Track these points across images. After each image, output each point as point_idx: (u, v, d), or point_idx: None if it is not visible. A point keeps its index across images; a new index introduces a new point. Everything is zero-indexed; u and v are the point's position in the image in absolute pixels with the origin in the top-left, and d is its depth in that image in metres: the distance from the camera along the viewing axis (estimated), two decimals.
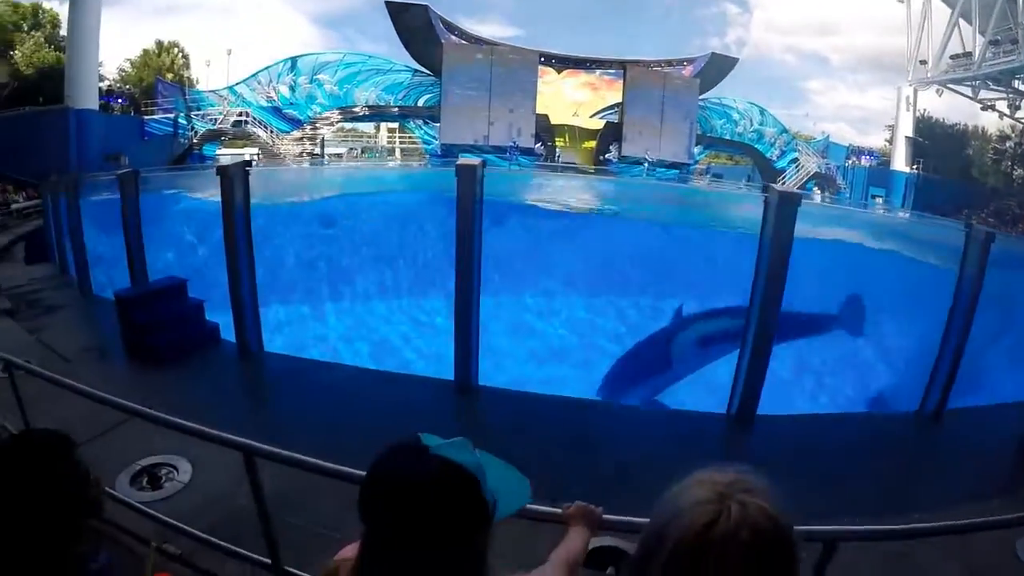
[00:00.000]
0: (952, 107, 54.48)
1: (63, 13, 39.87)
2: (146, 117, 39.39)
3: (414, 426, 4.53)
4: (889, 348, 9.55)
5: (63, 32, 40.33)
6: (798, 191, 5.55)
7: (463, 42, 44.33)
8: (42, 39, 42.73)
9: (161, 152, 37.39)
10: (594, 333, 11.07)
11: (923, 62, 49.44)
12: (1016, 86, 46.14)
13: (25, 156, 30.26)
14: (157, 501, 4.44)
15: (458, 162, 6.10)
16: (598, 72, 47.35)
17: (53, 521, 1.70)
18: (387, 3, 41.01)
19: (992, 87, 47.46)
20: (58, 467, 1.79)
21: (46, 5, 45.02)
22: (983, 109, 49.98)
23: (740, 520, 1.01)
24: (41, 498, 1.70)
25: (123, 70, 52.51)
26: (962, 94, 49.32)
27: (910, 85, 50.45)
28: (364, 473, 2.74)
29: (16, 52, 40.98)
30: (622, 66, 46.46)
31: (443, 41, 42.48)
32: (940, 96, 50.13)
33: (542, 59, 44.53)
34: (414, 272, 12.45)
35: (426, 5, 41.30)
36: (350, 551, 1.40)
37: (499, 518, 1.25)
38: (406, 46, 42.38)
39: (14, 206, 26.54)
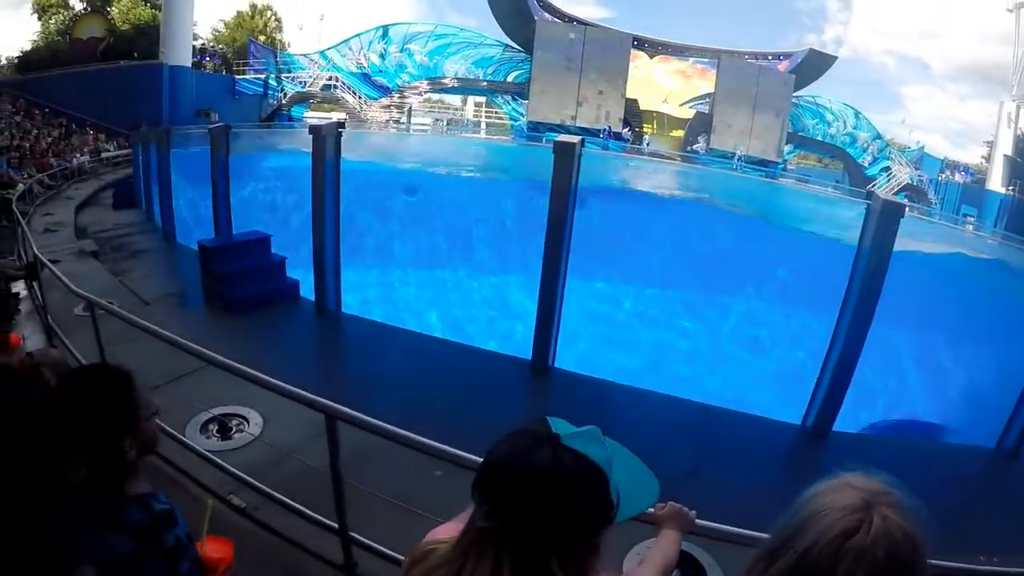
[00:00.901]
0: None
1: None
2: (237, 77, 40.46)
3: (490, 402, 4.41)
4: (974, 379, 9.11)
5: None
6: (902, 200, 5.25)
7: (556, 20, 43.83)
8: None
9: (251, 111, 38.42)
10: (667, 325, 10.80)
11: None
12: None
13: (118, 108, 31.51)
14: (226, 451, 4.39)
15: (557, 139, 5.88)
16: (691, 60, 46.42)
17: (100, 440, 1.73)
18: None
19: None
20: (113, 393, 1.80)
21: None
22: None
23: (879, 535, 1.00)
24: (91, 417, 1.73)
25: (216, 30, 53.73)
26: None
27: (1013, 101, 48.00)
28: (442, 446, 2.62)
29: (113, 8, 42.13)
30: (716, 55, 45.25)
31: (536, 18, 42.12)
32: None
33: (635, 43, 43.67)
34: (493, 249, 12.31)
35: None
36: (444, 532, 1.30)
37: (622, 519, 1.16)
38: (498, 21, 42.07)
39: (104, 154, 27.31)
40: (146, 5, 43.28)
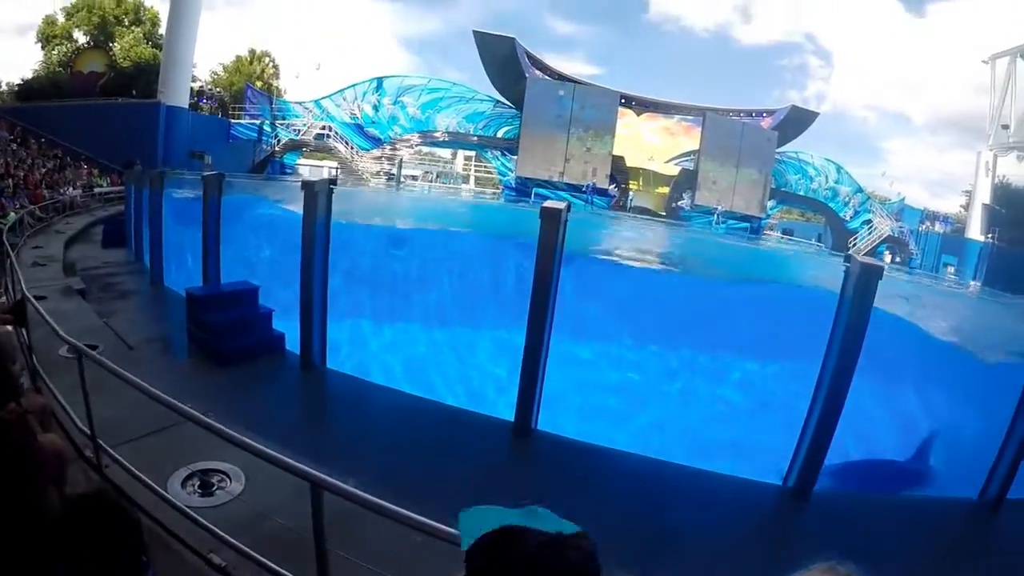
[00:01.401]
0: None
1: (163, 12, 42.12)
2: (232, 120, 41.05)
3: (473, 466, 4.49)
4: (954, 431, 9.17)
5: (162, 30, 42.28)
6: (880, 263, 5.38)
7: (546, 77, 44.74)
8: (141, 35, 44.87)
9: (244, 156, 39.01)
10: (649, 386, 10.84)
11: (1005, 126, 48.35)
12: None
13: (113, 144, 31.82)
14: (207, 508, 4.38)
15: (544, 204, 6.04)
16: (676, 117, 47.43)
17: None
18: (475, 32, 41.88)
19: None
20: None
21: (148, 3, 47.28)
22: None
23: None
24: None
25: (215, 73, 54.87)
26: None
27: (990, 150, 49.34)
28: (421, 518, 2.69)
29: (116, 44, 42.81)
30: (701, 113, 46.21)
31: (527, 75, 42.93)
32: (1021, 162, 49.05)
33: (623, 100, 44.62)
34: (477, 308, 12.38)
35: (513, 38, 42.00)
36: None
37: None
38: (490, 76, 43.13)
39: (97, 190, 27.43)
40: (148, 44, 44.13)
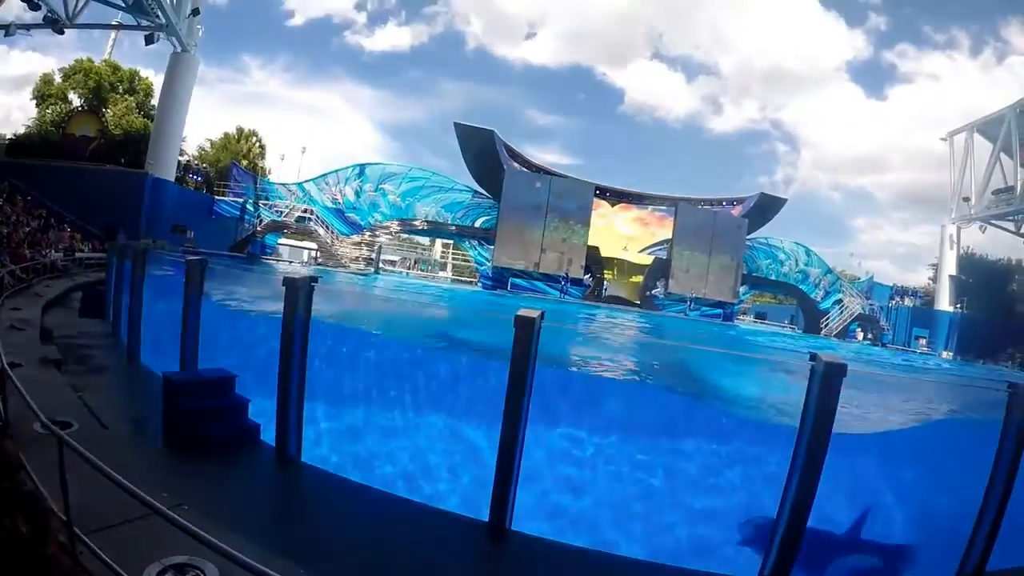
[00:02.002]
0: (996, 242, 55.62)
1: (157, 83, 42.90)
2: (217, 197, 41.55)
3: (445, 570, 4.65)
4: (930, 508, 9.27)
5: (154, 101, 42.89)
6: (844, 361, 5.53)
7: (524, 169, 46.01)
8: (134, 104, 45.32)
9: (225, 233, 39.30)
10: (622, 485, 10.96)
11: (966, 199, 50.84)
12: None
13: (98, 209, 31.75)
14: None
15: (518, 313, 6.27)
16: (649, 207, 49.02)
17: None
18: (455, 124, 43.19)
19: None
20: None
21: (143, 73, 48.05)
22: None
23: None
24: None
25: (202, 148, 55.63)
26: (1005, 229, 50.73)
27: (953, 223, 51.66)
28: None
29: (108, 111, 43.25)
30: (673, 203, 47.84)
31: (505, 167, 44.07)
32: (983, 232, 51.40)
33: (597, 192, 45.91)
34: (455, 406, 12.50)
35: (492, 131, 43.33)
36: None
37: None
38: (469, 166, 44.29)
39: (78, 254, 27.34)
40: (139, 113, 44.64)
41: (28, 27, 34.06)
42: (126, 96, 45.89)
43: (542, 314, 6.47)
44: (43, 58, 76.00)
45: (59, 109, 43.94)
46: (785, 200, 49.44)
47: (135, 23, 36.06)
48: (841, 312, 48.74)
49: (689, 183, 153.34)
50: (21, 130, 44.59)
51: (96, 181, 33.67)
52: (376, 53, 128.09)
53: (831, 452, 5.75)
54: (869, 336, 48.22)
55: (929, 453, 10.72)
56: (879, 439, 11.27)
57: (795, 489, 5.88)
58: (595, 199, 45.43)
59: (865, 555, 9.01)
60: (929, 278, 62.28)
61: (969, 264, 54.43)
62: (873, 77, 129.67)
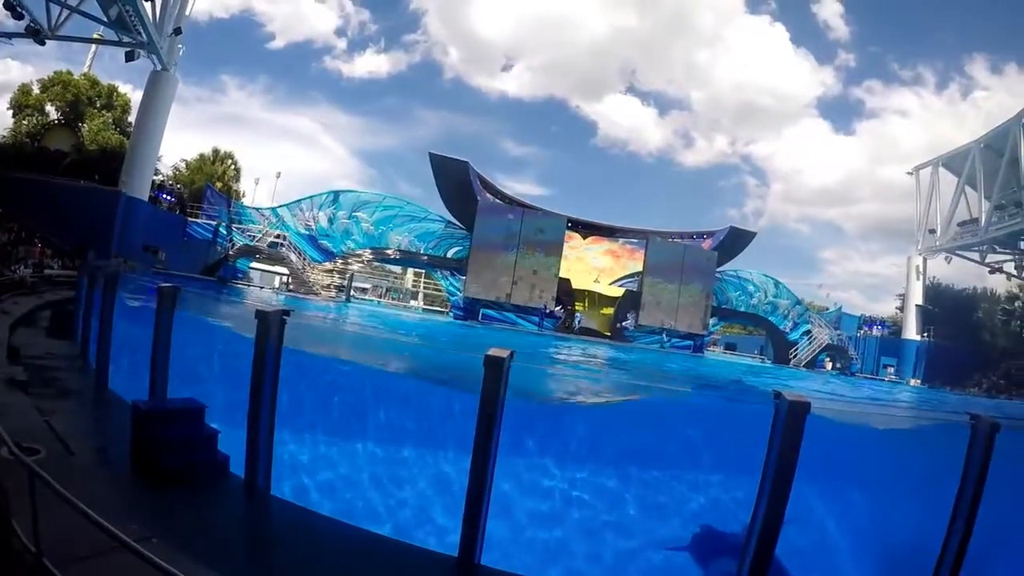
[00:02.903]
0: (961, 271, 57.10)
1: (135, 99, 43.06)
2: (190, 219, 41.39)
3: None
4: (894, 538, 9.38)
5: (131, 118, 42.63)
6: (807, 399, 5.64)
7: (497, 201, 46.57)
8: (111, 120, 44.94)
9: (197, 256, 39.07)
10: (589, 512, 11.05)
11: (932, 231, 52.52)
12: (1022, 247, 48.82)
13: (70, 226, 31.21)
14: None
15: (487, 353, 6.37)
16: (621, 240, 49.81)
17: None
18: (431, 155, 43.33)
19: (999, 250, 50.46)
20: None
21: (121, 89, 47.82)
22: (991, 272, 53.19)
23: None
24: None
25: (177, 168, 55.11)
26: (970, 259, 52.57)
27: (920, 254, 53.29)
28: None
29: (84, 126, 42.99)
30: (644, 236, 48.64)
31: (478, 198, 44.38)
32: (949, 263, 53.15)
33: (569, 224, 46.39)
34: (424, 440, 12.55)
35: (466, 161, 43.67)
36: None
37: None
38: (442, 196, 44.35)
39: (48, 272, 26.99)
40: (116, 130, 44.33)
41: (9, 36, 33.74)
42: (103, 112, 45.58)
43: (511, 354, 6.49)
44: (22, 67, 75.16)
45: (36, 121, 43.68)
46: (754, 233, 50.38)
47: (117, 39, 35.82)
48: (810, 343, 49.43)
49: (660, 216, 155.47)
50: None
51: (69, 197, 33.09)
52: (355, 79, 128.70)
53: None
54: (838, 366, 48.98)
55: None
56: None
57: (760, 525, 5.98)
58: (567, 231, 45.88)
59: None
60: (896, 308, 63.67)
61: (935, 294, 55.82)
62: (841, 112, 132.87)
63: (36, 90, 45.76)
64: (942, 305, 54.57)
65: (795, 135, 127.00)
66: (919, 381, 46.04)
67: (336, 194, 43.64)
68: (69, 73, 46.61)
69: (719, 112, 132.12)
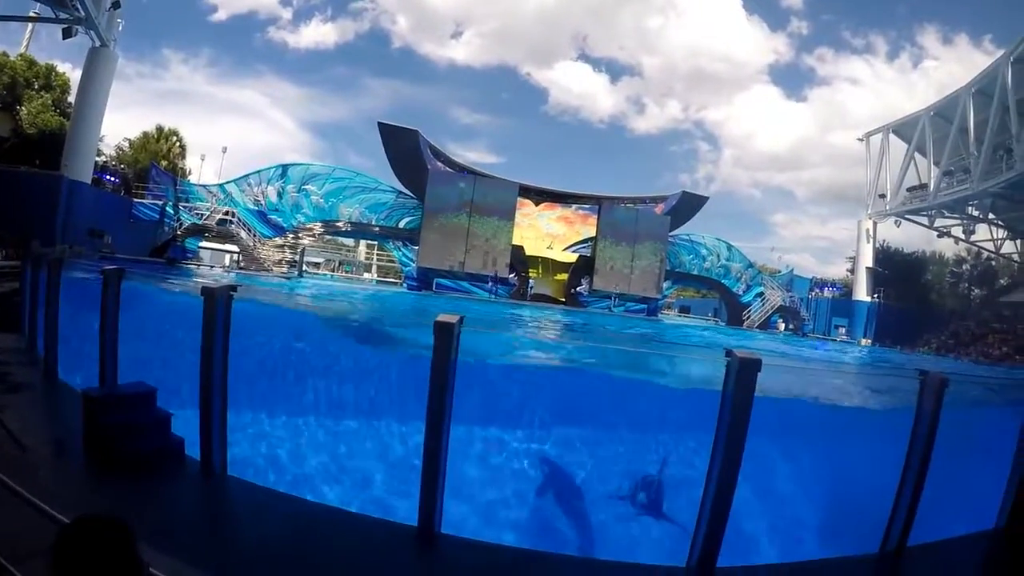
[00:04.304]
0: (910, 235, 59.13)
1: (74, 79, 41.14)
2: (135, 200, 40.27)
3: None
4: (849, 489, 9.63)
5: (71, 99, 41.26)
6: (758, 357, 5.78)
7: (448, 169, 46.32)
8: (50, 101, 43.45)
9: (144, 237, 38.30)
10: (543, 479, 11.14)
11: (882, 195, 53.56)
12: (969, 212, 49.71)
13: (12, 214, 30.22)
14: None
15: (437, 319, 6.40)
16: (574, 207, 49.80)
17: None
18: (380, 124, 42.80)
19: (947, 215, 51.27)
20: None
21: (60, 69, 46.24)
22: (939, 236, 54.06)
23: None
24: None
25: (121, 148, 53.67)
26: (919, 223, 53.41)
27: (870, 218, 54.23)
28: None
29: (23, 109, 41.62)
30: (597, 202, 48.85)
31: (429, 167, 44.18)
32: (899, 226, 53.98)
33: (521, 191, 46.39)
34: (381, 407, 12.56)
35: (416, 131, 43.16)
36: None
37: None
38: (393, 167, 44.07)
39: None
40: (56, 112, 42.86)
41: None
42: (42, 93, 44.00)
43: (461, 319, 6.51)
44: None
45: None
46: (706, 198, 50.83)
47: (53, 15, 34.50)
48: (763, 304, 50.65)
49: (613, 182, 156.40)
50: None
51: (9, 184, 32.15)
52: (301, 50, 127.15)
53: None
54: (791, 326, 50.18)
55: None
56: None
57: (716, 480, 6.14)
58: (519, 199, 45.96)
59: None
60: (847, 270, 65.34)
61: (885, 257, 57.11)
62: (793, 79, 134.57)
63: None
64: (892, 267, 55.97)
65: (747, 101, 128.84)
66: (869, 341, 47.25)
67: (284, 167, 43.04)
68: (5, 55, 44.73)
69: (671, 78, 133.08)
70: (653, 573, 6.48)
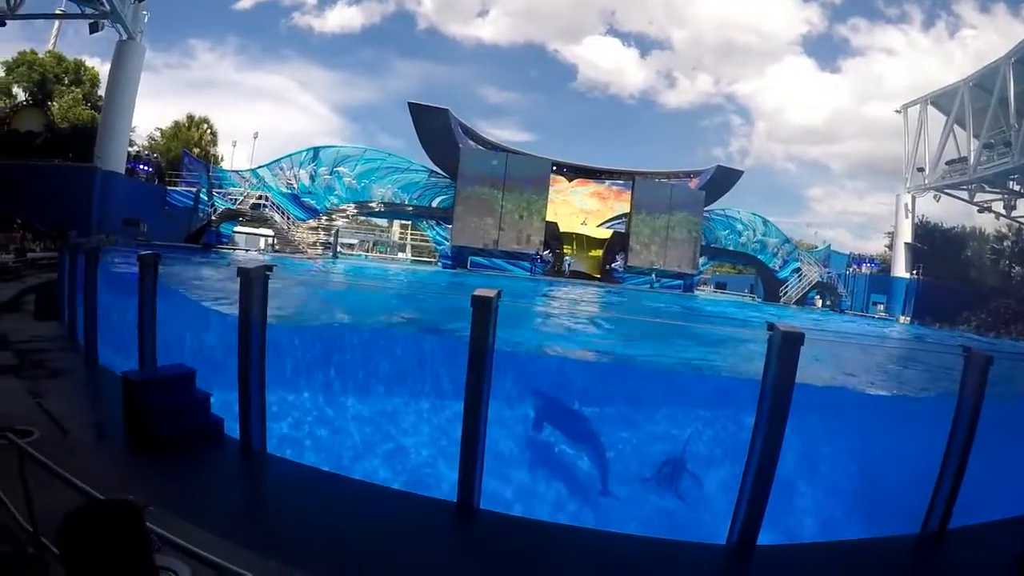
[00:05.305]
0: (950, 210, 57.37)
1: (103, 72, 41.58)
2: (169, 187, 40.83)
3: (415, 553, 4.64)
4: (890, 469, 9.42)
5: (101, 92, 41.70)
6: (801, 330, 5.60)
7: (479, 147, 45.88)
8: (80, 95, 44.06)
9: (179, 224, 38.53)
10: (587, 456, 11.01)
11: (920, 169, 51.95)
12: (1011, 186, 48.53)
13: (48, 207, 30.87)
14: None
15: (474, 293, 6.28)
16: (607, 182, 49.10)
17: None
18: (410, 104, 42.56)
19: (988, 189, 50.06)
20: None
21: (89, 63, 46.74)
22: (980, 211, 52.91)
23: None
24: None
25: (153, 138, 54.18)
26: (959, 198, 52.18)
27: (908, 192, 52.80)
28: None
29: (54, 104, 42.10)
30: (631, 177, 48.11)
31: (460, 145, 43.80)
32: (938, 201, 52.67)
33: (554, 168, 45.91)
34: (419, 386, 12.45)
35: (447, 109, 42.83)
36: None
37: None
38: (424, 146, 43.78)
39: (30, 256, 26.65)
40: (87, 105, 43.48)
41: None
42: (72, 88, 44.64)
43: (499, 293, 6.46)
44: None
45: (2, 104, 42.50)
46: (741, 172, 49.96)
47: (79, 11, 34.93)
48: (800, 280, 49.66)
49: (645, 157, 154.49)
50: None
51: (44, 178, 32.76)
52: (327, 34, 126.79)
53: None
54: (828, 303, 49.18)
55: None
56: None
57: (758, 456, 5.97)
58: (552, 175, 45.45)
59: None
60: (885, 246, 63.66)
61: (924, 232, 55.85)
62: (826, 50, 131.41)
63: (1, 73, 44.71)
64: (931, 243, 54.56)
65: (780, 73, 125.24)
66: (908, 318, 46.19)
67: (316, 150, 42.92)
68: (34, 52, 45.42)
69: (702, 51, 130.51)
70: (692, 550, 6.35)
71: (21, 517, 4.51)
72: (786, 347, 5.81)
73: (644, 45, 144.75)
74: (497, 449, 8.99)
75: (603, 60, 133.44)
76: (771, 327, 5.97)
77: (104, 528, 2.03)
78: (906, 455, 8.48)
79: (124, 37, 35.95)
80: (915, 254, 51.91)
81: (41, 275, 23.42)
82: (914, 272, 50.70)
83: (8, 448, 4.76)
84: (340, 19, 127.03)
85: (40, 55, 45.21)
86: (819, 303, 49.25)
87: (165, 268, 9.71)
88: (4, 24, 32.54)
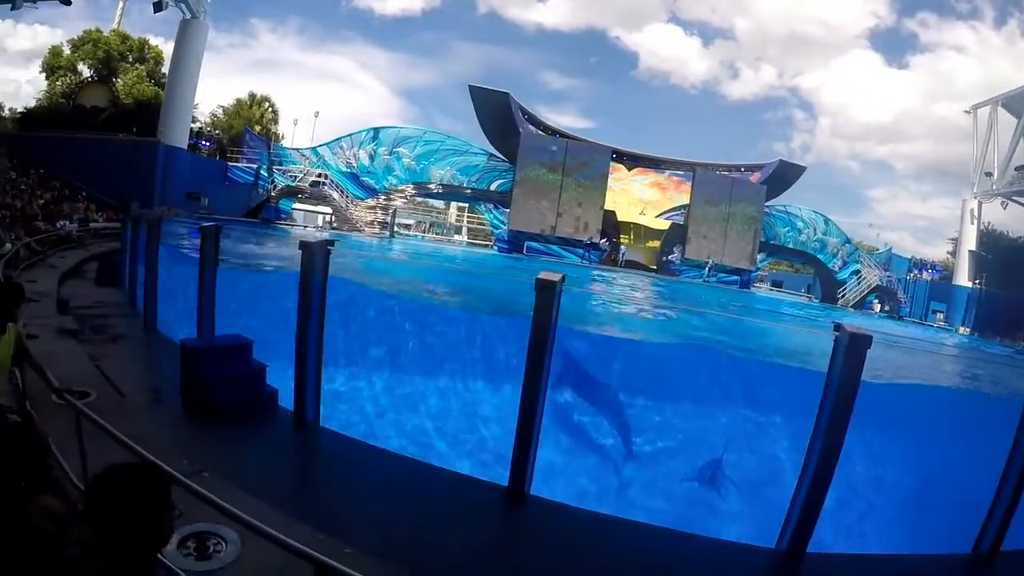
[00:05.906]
0: (1018, 218, 54.73)
1: (167, 51, 42.37)
2: (230, 163, 41.31)
3: (464, 534, 4.56)
4: (945, 486, 9.16)
5: (165, 69, 42.50)
6: (868, 332, 5.39)
7: (540, 132, 45.51)
8: (144, 73, 44.82)
9: (240, 199, 39.38)
10: (638, 450, 10.86)
11: (988, 174, 49.59)
12: None
13: (111, 179, 31.74)
14: (202, 573, 4.34)
15: (539, 276, 6.14)
16: (667, 172, 48.37)
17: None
18: (471, 87, 42.64)
19: None
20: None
21: (152, 42, 47.58)
22: None
23: None
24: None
25: (215, 115, 55.30)
26: None
27: (975, 197, 50.51)
28: None
29: (119, 80, 42.93)
30: (691, 168, 47.23)
31: (520, 130, 43.61)
32: (1005, 208, 49.96)
33: (614, 155, 45.31)
34: (474, 368, 12.38)
35: (507, 93, 42.68)
36: None
37: None
38: (484, 130, 43.84)
39: (92, 225, 27.22)
40: (151, 82, 44.26)
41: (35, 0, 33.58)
42: (136, 65, 45.35)
43: (563, 277, 6.40)
44: (51, 31, 75.45)
45: (69, 81, 43.44)
46: (804, 168, 48.63)
47: None
48: (859, 283, 48.18)
49: (705, 149, 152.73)
50: (32, 103, 44.59)
51: (109, 151, 33.61)
52: (388, 16, 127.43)
53: None
54: (886, 308, 47.69)
55: None
56: None
57: (817, 457, 5.83)
58: (612, 163, 44.85)
59: None
60: (948, 252, 61.29)
61: (990, 240, 53.21)
62: (894, 45, 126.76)
63: (67, 51, 45.52)
64: (997, 252, 52.03)
65: (845, 68, 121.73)
66: (968, 329, 44.30)
67: (376, 131, 43.03)
68: (98, 31, 46.22)
69: (765, 42, 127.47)
70: (740, 551, 6.27)
71: (74, 475, 4.50)
72: (852, 349, 5.63)
73: (707, 34, 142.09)
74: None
75: (665, 48, 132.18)
76: (837, 327, 5.87)
77: (124, 491, 2.08)
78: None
79: (187, 16, 36.53)
80: (979, 263, 49.74)
81: (103, 244, 23.98)
82: (977, 281, 48.76)
83: (66, 409, 4.77)
84: (401, 1, 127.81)
85: (105, 33, 45.97)
86: (877, 307, 47.73)
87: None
88: (70, 3, 32.96)
